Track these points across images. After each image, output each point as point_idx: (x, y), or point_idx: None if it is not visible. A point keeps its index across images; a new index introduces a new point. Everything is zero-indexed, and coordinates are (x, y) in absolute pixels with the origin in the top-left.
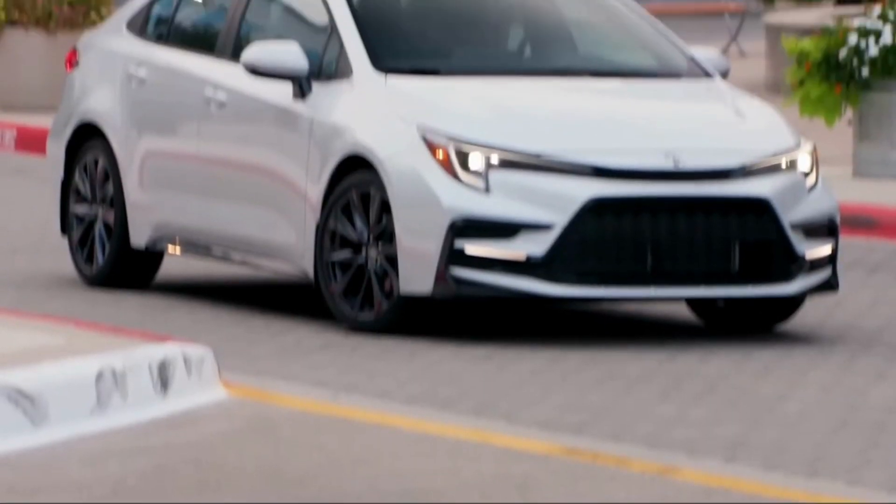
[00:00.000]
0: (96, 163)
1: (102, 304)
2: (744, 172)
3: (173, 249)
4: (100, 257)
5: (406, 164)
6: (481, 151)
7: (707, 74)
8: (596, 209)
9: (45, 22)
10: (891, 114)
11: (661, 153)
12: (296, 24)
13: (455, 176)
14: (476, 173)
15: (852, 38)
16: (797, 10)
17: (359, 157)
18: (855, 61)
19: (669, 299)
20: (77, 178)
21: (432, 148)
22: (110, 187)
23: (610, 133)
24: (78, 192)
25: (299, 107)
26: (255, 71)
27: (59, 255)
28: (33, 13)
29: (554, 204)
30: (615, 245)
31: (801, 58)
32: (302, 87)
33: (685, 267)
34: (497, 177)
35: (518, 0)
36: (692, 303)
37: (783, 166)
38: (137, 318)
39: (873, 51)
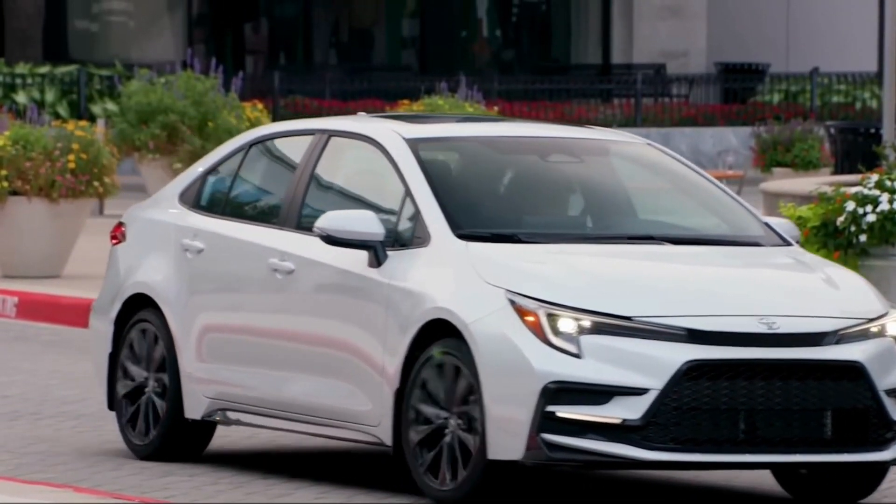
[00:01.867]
0: (151, 335)
1: (103, 470)
2: (837, 338)
3: (235, 419)
4: (151, 430)
5: (494, 329)
6: (572, 316)
7: (785, 242)
8: (692, 373)
9: (47, 191)
10: (889, 280)
11: (755, 317)
12: (362, 192)
13: (546, 340)
14: (568, 337)
15: (850, 205)
16: (794, 177)
17: (440, 324)
18: (853, 228)
19: (763, 466)
20: (126, 351)
21: (522, 313)
22: (163, 359)
23: (701, 297)
24: (127, 366)
25: (374, 274)
26: (330, 239)
27: (59, 421)
28: (36, 182)
29: (648, 368)
30: (711, 409)
31: (799, 224)
32: (377, 254)
33: (779, 433)
34: (589, 341)
35: (590, 169)
36: (777, 471)
37: (874, 332)
38: (136, 483)
39: (871, 217)
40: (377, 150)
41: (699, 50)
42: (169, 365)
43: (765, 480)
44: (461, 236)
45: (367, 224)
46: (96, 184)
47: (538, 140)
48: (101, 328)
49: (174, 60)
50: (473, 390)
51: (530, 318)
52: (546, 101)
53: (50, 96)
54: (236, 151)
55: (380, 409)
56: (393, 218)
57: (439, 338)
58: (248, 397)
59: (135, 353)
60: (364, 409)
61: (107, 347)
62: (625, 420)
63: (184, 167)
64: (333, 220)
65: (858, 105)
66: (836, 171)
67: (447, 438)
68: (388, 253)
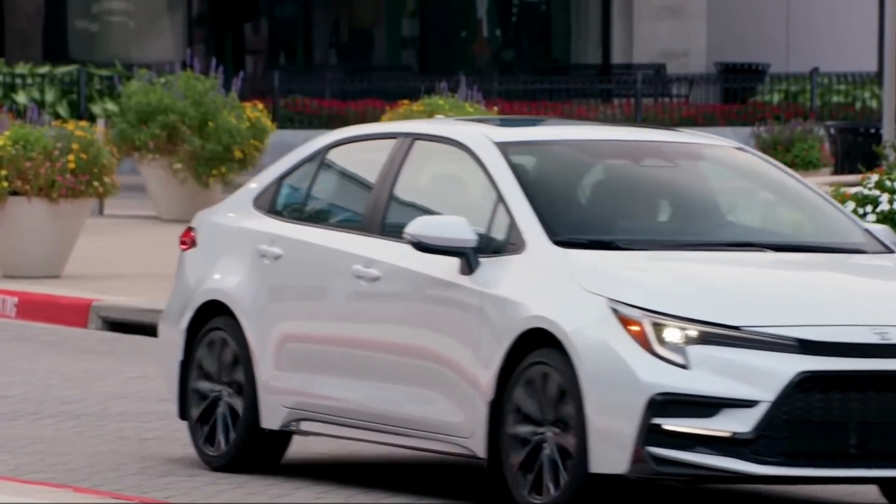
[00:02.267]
0: (225, 343)
1: (102, 470)
2: None
3: (314, 429)
4: (225, 441)
5: (596, 338)
6: (679, 325)
7: (888, 249)
8: (804, 385)
9: (47, 191)
10: None
11: (868, 327)
12: (450, 197)
13: (651, 350)
14: (674, 347)
15: (850, 205)
16: None
17: (537, 333)
18: None
19: (875, 480)
20: (198, 359)
21: (625, 322)
22: (237, 367)
23: (811, 306)
24: (199, 373)
25: (465, 282)
26: (420, 246)
27: (58, 421)
28: (36, 182)
29: (758, 379)
30: (823, 422)
31: None
32: (469, 261)
33: (892, 446)
34: (695, 351)
35: (685, 173)
36: (885, 486)
37: None
38: (136, 483)
39: (871, 217)
40: (465, 153)
41: (699, 50)
42: (245, 374)
43: (864, 492)
44: (558, 243)
45: (459, 230)
46: (96, 184)
47: (630, 144)
48: (172, 336)
49: (174, 60)
50: (573, 401)
51: (634, 328)
52: (546, 101)
53: (50, 96)
54: (314, 156)
55: (472, 421)
56: (484, 224)
57: (535, 347)
58: (330, 407)
59: (208, 361)
60: (455, 420)
61: (178, 355)
62: (735, 433)
63: (184, 167)
64: (424, 225)
65: (858, 105)
66: (836, 171)
67: (545, 450)
68: (480, 260)
